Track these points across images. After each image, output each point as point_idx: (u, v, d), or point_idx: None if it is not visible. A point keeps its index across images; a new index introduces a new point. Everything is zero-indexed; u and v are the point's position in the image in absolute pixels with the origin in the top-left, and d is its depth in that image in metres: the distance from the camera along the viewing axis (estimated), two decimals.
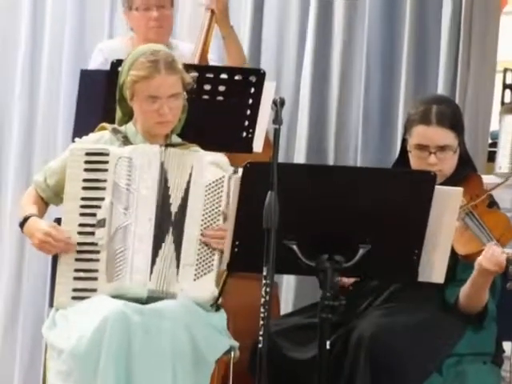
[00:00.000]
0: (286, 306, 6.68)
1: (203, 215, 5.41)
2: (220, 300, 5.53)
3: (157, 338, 5.13)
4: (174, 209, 5.49)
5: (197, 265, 5.44)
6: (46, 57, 8.07)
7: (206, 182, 5.38)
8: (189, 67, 5.81)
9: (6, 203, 8.10)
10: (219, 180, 5.32)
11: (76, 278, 5.38)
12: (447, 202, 5.06)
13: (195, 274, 5.44)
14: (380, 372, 5.04)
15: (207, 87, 5.96)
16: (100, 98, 6.10)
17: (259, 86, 6.16)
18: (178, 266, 5.45)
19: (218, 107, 5.99)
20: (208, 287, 5.41)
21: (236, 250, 5.02)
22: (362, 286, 5.51)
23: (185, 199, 5.51)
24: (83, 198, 5.43)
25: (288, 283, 6.48)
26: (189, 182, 5.47)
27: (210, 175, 5.34)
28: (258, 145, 5.94)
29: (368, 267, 5.02)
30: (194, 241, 5.41)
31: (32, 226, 5.54)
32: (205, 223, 5.41)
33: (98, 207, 5.40)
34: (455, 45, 6.44)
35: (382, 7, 6.87)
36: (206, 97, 5.92)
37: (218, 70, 6.31)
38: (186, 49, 6.52)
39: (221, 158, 5.52)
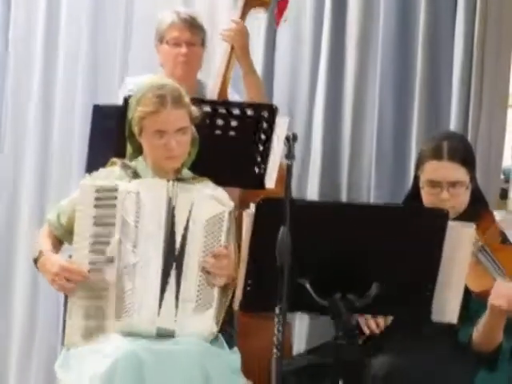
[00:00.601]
0: (300, 343, 6.62)
1: (203, 251, 5.41)
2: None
3: (170, 379, 5.05)
4: (177, 245, 5.47)
5: (196, 301, 5.41)
6: (60, 92, 7.99)
7: (206, 217, 5.38)
8: (200, 102, 5.76)
9: (19, 242, 8.06)
10: (219, 215, 5.31)
11: (85, 317, 5.33)
12: (460, 238, 5.02)
13: (194, 310, 5.40)
14: None
15: (220, 122, 5.86)
16: (112, 133, 6.03)
17: (271, 121, 6.09)
18: (177, 302, 5.40)
19: (231, 142, 5.92)
20: (207, 323, 5.39)
21: (248, 288, 4.94)
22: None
23: (185, 235, 5.48)
24: (93, 235, 5.40)
25: (301, 321, 6.36)
26: (188, 217, 5.40)
27: (211, 209, 5.36)
28: (270, 180, 5.87)
29: (381, 305, 4.93)
30: (193, 277, 5.38)
31: (47, 260, 5.53)
32: (203, 256, 5.41)
33: (108, 244, 5.36)
34: (467, 81, 6.44)
35: (395, 42, 6.87)
36: (218, 132, 5.82)
37: (230, 105, 6.22)
38: (211, 87, 6.39)
39: (221, 192, 5.55)
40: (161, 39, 6.98)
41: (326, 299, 4.86)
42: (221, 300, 5.40)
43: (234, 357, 5.35)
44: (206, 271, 5.34)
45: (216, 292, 5.36)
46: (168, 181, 5.51)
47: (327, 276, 4.87)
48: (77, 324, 5.34)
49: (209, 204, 5.34)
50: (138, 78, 7.04)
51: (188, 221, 5.44)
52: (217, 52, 7.20)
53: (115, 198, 5.40)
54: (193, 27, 6.93)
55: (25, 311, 8.06)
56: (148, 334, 5.25)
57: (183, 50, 6.82)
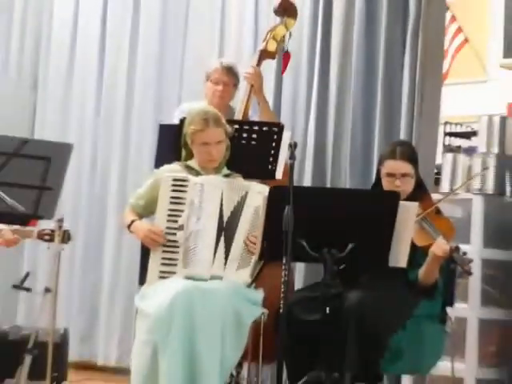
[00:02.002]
0: (298, 283, 6.66)
1: (249, 229, 5.48)
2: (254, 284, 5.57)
3: (211, 308, 5.14)
4: (225, 220, 5.54)
5: (239, 262, 5.51)
6: (136, 115, 8.02)
7: (255, 205, 5.42)
8: (232, 122, 5.92)
9: (109, 218, 8.10)
10: (262, 205, 5.24)
11: (162, 264, 5.47)
12: (407, 211, 5.12)
13: (237, 267, 5.51)
14: (364, 327, 5.05)
15: (244, 135, 6.00)
16: (172, 144, 6.11)
17: (280, 134, 6.19)
18: (226, 260, 5.50)
19: (252, 149, 6.03)
20: (244, 276, 5.48)
21: (265, 246, 5.08)
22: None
23: (236, 214, 5.58)
24: (169, 210, 5.54)
25: (300, 268, 6.44)
26: (242, 203, 5.54)
27: (258, 201, 5.35)
28: (279, 174, 5.99)
29: (354, 257, 5.03)
30: (240, 244, 5.48)
31: (138, 225, 5.68)
32: (249, 232, 5.44)
33: (179, 216, 5.49)
34: (412, 106, 6.43)
35: (364, 81, 6.83)
36: (243, 142, 5.98)
37: (251, 123, 6.35)
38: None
39: (265, 188, 5.42)
40: (207, 78, 6.93)
41: (317, 253, 4.97)
42: (254, 263, 5.50)
43: (257, 294, 5.44)
44: (247, 244, 5.44)
45: (252, 257, 5.44)
46: (223, 176, 5.69)
47: (318, 238, 4.94)
48: (156, 269, 5.46)
49: (258, 197, 5.37)
50: (190, 104, 7.06)
51: (242, 205, 5.56)
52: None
53: (186, 185, 5.51)
54: (229, 73, 6.90)
55: (111, 266, 8.06)
56: (203, 279, 5.39)
57: (220, 88, 6.82)
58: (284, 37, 6.75)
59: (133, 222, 5.68)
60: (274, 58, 6.85)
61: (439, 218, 5.43)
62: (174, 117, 7.02)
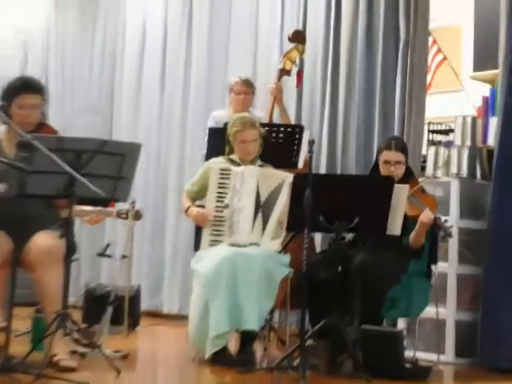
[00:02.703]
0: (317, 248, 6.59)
1: (282, 208, 5.39)
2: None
3: (249, 269, 5.16)
4: (262, 200, 5.53)
5: (273, 233, 5.47)
6: (190, 120, 7.98)
7: (287, 191, 5.25)
8: (264, 125, 5.93)
9: (170, 201, 8.00)
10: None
11: (212, 235, 5.46)
12: (400, 191, 5.11)
13: (271, 238, 5.48)
14: (367, 283, 5.04)
15: (273, 135, 5.98)
16: (217, 143, 6.11)
17: (301, 133, 6.18)
18: (263, 231, 5.50)
19: (280, 145, 6.03)
20: (276, 245, 5.46)
21: (290, 220, 5.07)
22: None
23: (273, 197, 5.54)
24: (217, 193, 5.54)
25: (317, 236, 6.40)
26: (279, 189, 5.49)
27: (288, 191, 5.20)
28: (300, 164, 5.99)
29: (360, 227, 5.03)
30: (275, 220, 5.46)
31: (193, 210, 5.65)
32: (282, 212, 5.35)
33: (225, 198, 5.51)
34: (403, 110, 6.38)
35: (365, 92, 6.76)
36: (272, 140, 5.95)
37: (278, 126, 6.35)
38: (257, 114, 6.43)
39: (291, 176, 5.34)
40: (230, 90, 6.89)
41: (330, 225, 4.99)
42: (285, 235, 5.47)
43: (285, 258, 5.43)
44: (280, 221, 5.38)
45: (283, 231, 5.40)
46: (258, 166, 5.66)
47: (331, 213, 4.96)
48: (207, 239, 5.46)
49: (288, 188, 5.22)
50: (218, 111, 7.12)
51: (279, 190, 5.53)
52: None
53: (230, 174, 5.52)
54: (247, 84, 6.85)
55: (172, 237, 8.01)
56: (243, 246, 5.39)
57: (241, 97, 6.78)
58: (296, 59, 6.76)
59: (188, 207, 5.67)
60: (289, 75, 6.81)
61: (425, 195, 5.42)
62: (210, 119, 7.06)
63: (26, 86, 4.81)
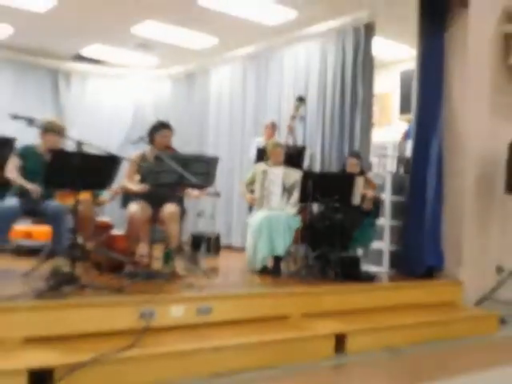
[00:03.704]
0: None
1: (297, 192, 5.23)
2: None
3: (278, 222, 5.08)
4: (287, 186, 5.35)
5: (293, 204, 5.29)
6: (245, 143, 7.86)
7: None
8: (285, 147, 5.69)
9: (235, 188, 7.79)
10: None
11: (257, 205, 5.36)
12: (359, 180, 5.10)
13: (291, 206, 5.28)
14: (342, 229, 5.06)
15: (289, 151, 5.82)
16: (260, 155, 6.06)
17: (304, 150, 6.19)
18: (287, 203, 5.34)
19: (293, 156, 5.91)
20: (293, 211, 5.27)
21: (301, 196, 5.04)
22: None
23: (293, 185, 5.30)
24: (261, 184, 5.37)
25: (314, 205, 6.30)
26: (297, 182, 5.22)
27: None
28: (303, 166, 5.93)
29: (339, 200, 5.00)
30: (294, 198, 5.27)
31: (247, 198, 5.49)
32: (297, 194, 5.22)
33: (265, 185, 5.34)
34: (360, 136, 6.33)
35: (339, 125, 6.68)
36: (289, 153, 5.70)
37: (291, 147, 6.22)
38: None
39: (300, 172, 5.33)
40: (265, 127, 6.80)
41: (323, 199, 5.01)
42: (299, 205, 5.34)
43: (297, 217, 5.24)
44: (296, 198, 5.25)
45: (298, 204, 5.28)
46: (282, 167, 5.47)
47: (323, 193, 4.96)
48: (255, 206, 5.39)
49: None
50: (258, 138, 6.96)
51: (295, 182, 5.29)
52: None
53: (267, 172, 5.37)
54: (273, 125, 6.74)
55: (237, 207, 7.88)
56: (277, 210, 5.25)
57: (270, 131, 6.70)
58: (299, 110, 6.66)
59: (246, 194, 5.54)
60: (295, 118, 6.64)
61: (371, 182, 5.40)
62: (254, 143, 6.91)
63: (165, 125, 4.85)
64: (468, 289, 5.20)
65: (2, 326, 3.07)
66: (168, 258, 4.67)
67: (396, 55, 7.87)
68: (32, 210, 4.45)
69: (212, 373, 3.27)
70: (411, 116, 5.94)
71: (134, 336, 3.23)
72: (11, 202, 4.36)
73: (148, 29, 7.36)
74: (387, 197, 5.84)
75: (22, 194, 4.40)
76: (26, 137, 4.65)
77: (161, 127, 4.82)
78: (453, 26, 5.46)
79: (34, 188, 4.29)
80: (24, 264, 4.49)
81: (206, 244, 6.37)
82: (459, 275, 5.25)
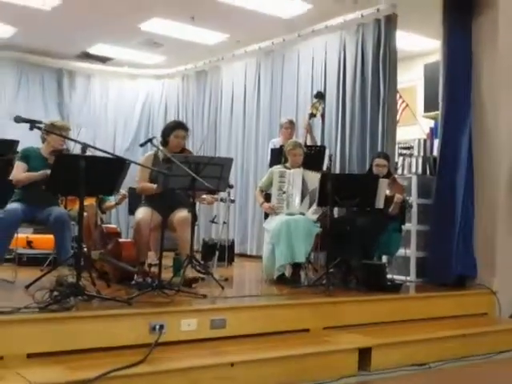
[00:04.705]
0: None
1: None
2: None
3: (298, 227, 5.04)
4: (309, 189, 5.30)
5: (314, 210, 5.27)
6: (260, 142, 7.90)
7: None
8: (303, 146, 5.67)
9: (251, 191, 7.82)
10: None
11: (276, 209, 5.32)
12: (383, 183, 5.03)
13: (313, 213, 5.26)
14: (365, 236, 5.00)
15: (308, 151, 5.74)
16: (275, 157, 6.07)
17: (324, 150, 6.15)
18: (308, 208, 5.31)
19: (312, 157, 5.84)
20: (314, 217, 5.23)
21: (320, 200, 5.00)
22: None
23: (314, 190, 5.19)
24: (279, 186, 5.32)
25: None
26: (309, 182, 5.25)
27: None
28: (324, 168, 5.85)
29: (360, 202, 4.95)
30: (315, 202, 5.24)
31: (264, 205, 5.40)
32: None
33: (283, 188, 5.28)
34: (384, 135, 6.29)
35: (360, 125, 6.70)
36: (308, 154, 5.68)
37: (311, 146, 6.25)
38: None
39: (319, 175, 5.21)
40: (281, 126, 6.66)
41: (343, 202, 4.95)
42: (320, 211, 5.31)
43: (317, 224, 5.22)
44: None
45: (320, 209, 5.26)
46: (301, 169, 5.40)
47: (343, 195, 4.91)
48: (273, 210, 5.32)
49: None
50: (274, 139, 6.89)
51: (314, 184, 5.16)
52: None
53: (285, 174, 5.31)
54: (291, 123, 6.65)
55: (252, 210, 7.86)
56: (295, 214, 5.21)
57: (288, 131, 6.55)
58: (320, 107, 6.61)
59: (262, 202, 5.45)
60: (315, 117, 6.66)
61: (397, 184, 5.31)
62: (270, 143, 6.86)
63: (180, 125, 4.82)
64: (502, 299, 5.13)
65: (2, 341, 3.02)
66: (179, 267, 4.63)
67: (419, 47, 7.80)
68: (33, 216, 4.46)
69: None
70: (438, 113, 5.87)
71: (143, 351, 3.18)
72: (14, 206, 4.38)
73: (156, 25, 7.37)
74: (413, 200, 5.77)
75: (25, 199, 4.42)
76: (30, 140, 4.65)
77: (176, 127, 4.78)
78: (481, 16, 5.42)
79: (43, 173, 4.31)
80: (26, 274, 4.48)
81: (219, 252, 6.32)
82: (493, 285, 5.18)
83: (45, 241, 5.58)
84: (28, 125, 3.97)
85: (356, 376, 3.68)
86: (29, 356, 3.06)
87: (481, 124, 5.39)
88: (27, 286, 4.04)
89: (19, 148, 4.90)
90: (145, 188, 4.68)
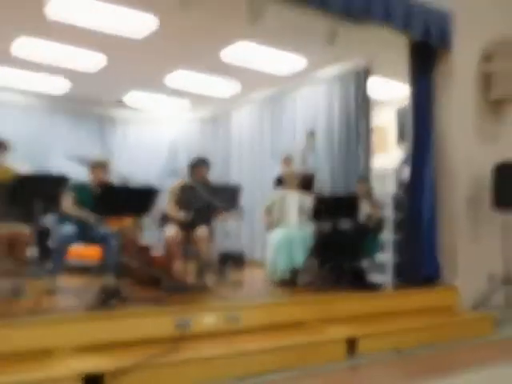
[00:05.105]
0: None
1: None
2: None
3: (296, 238, 5.00)
4: (305, 208, 5.20)
5: (307, 223, 5.16)
6: (263, 174, 7.76)
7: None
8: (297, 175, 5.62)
9: (257, 209, 7.32)
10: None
11: (276, 224, 5.23)
12: (364, 202, 4.95)
13: (306, 225, 5.17)
14: (353, 243, 4.96)
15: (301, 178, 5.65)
16: (277, 184, 5.91)
17: (313, 178, 6.06)
18: (301, 222, 5.24)
19: (305, 182, 5.71)
20: (309, 229, 5.16)
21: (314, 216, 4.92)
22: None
23: (307, 208, 5.12)
24: (279, 206, 5.25)
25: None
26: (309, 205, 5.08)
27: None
28: (315, 189, 5.77)
29: (347, 216, 4.88)
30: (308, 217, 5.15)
31: (266, 221, 5.38)
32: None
33: (283, 206, 5.22)
34: (364, 162, 6.26)
35: (346, 154, 6.62)
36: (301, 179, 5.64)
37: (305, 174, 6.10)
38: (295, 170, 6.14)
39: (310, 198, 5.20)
40: (281, 160, 6.56)
41: (332, 216, 4.87)
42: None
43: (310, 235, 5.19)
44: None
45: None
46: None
47: (332, 211, 4.84)
48: (273, 225, 5.22)
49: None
50: (276, 169, 6.76)
51: (307, 203, 5.14)
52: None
53: (285, 197, 5.26)
54: (288, 159, 6.44)
55: (257, 227, 7.60)
56: (292, 229, 5.15)
57: (286, 163, 6.39)
58: (311, 142, 6.59)
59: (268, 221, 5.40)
60: (309, 150, 6.59)
61: (374, 202, 5.25)
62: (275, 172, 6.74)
63: (202, 161, 4.82)
64: (464, 294, 5.06)
65: (57, 336, 3.03)
66: (200, 272, 4.61)
67: (393, 95, 7.76)
68: (85, 235, 4.45)
69: (240, 374, 3.18)
70: (407, 144, 5.82)
71: (171, 343, 3.18)
72: (67, 229, 4.37)
73: (179, 78, 7.43)
74: (389, 215, 5.70)
75: (78, 222, 4.41)
76: (80, 172, 4.65)
77: (200, 163, 4.80)
78: (439, 67, 5.44)
79: (88, 216, 4.30)
80: (77, 281, 4.47)
81: (232, 260, 6.27)
82: (455, 282, 5.11)
83: (92, 252, 5.55)
84: (78, 161, 4.03)
85: (345, 361, 3.63)
86: (79, 348, 3.04)
87: (442, 154, 5.35)
88: (78, 291, 4.04)
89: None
90: (172, 215, 4.67)
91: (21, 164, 6.44)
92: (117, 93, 8.30)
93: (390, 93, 7.81)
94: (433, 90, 5.41)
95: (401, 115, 7.32)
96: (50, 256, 4.52)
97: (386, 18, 4.66)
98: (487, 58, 5.50)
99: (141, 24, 5.47)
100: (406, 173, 5.80)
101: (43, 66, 6.72)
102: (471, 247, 5.28)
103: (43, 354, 2.91)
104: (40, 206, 3.76)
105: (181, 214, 4.52)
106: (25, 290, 3.75)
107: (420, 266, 5.17)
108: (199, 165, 4.76)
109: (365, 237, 5.16)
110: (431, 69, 5.45)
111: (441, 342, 4.21)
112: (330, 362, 3.55)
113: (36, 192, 3.72)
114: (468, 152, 5.35)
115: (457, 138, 5.31)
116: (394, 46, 5.59)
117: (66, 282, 4.57)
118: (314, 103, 7.22)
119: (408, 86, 5.63)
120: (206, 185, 4.57)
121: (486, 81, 5.49)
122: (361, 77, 6.50)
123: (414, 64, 5.53)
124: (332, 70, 6.88)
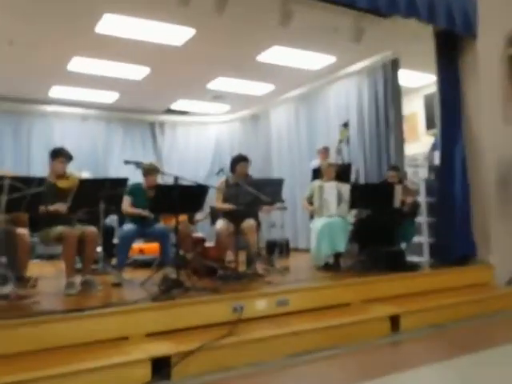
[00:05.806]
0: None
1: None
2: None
3: (336, 226, 4.93)
4: (344, 197, 5.09)
5: (348, 211, 5.07)
6: (303, 165, 7.72)
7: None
8: (335, 165, 5.53)
9: (299, 202, 7.55)
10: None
11: (318, 213, 5.18)
12: (397, 188, 4.92)
13: (346, 212, 5.06)
14: (387, 229, 4.90)
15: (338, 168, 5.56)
16: (315, 175, 5.88)
17: (350, 167, 6.02)
18: (342, 210, 5.13)
19: (341, 172, 5.62)
20: (350, 218, 5.14)
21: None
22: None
23: (341, 194, 5.13)
24: (318, 195, 5.14)
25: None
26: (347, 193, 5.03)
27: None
28: (352, 179, 5.72)
29: (382, 204, 4.83)
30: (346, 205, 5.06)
31: (308, 208, 5.32)
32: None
33: (323, 196, 5.12)
34: (395, 150, 6.15)
35: (376, 143, 6.53)
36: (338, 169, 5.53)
37: (339, 165, 6.04)
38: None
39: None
40: (318, 151, 6.57)
41: (369, 204, 4.82)
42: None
43: (350, 221, 5.18)
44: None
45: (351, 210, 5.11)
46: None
47: (367, 200, 4.81)
48: (316, 213, 5.21)
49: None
50: (314, 161, 6.73)
51: (347, 192, 4.98)
52: None
53: (323, 186, 5.14)
54: (325, 149, 6.51)
55: (300, 216, 7.74)
56: (332, 216, 5.05)
57: (322, 155, 6.51)
58: (345, 134, 6.58)
59: (307, 207, 5.34)
60: (342, 142, 6.55)
61: (408, 189, 5.20)
62: (311, 165, 6.75)
63: (243, 158, 4.85)
64: (498, 271, 4.96)
65: (128, 324, 3.12)
66: (250, 261, 4.66)
67: (422, 83, 7.62)
68: (144, 232, 4.58)
69: (291, 353, 3.22)
70: (436, 131, 5.72)
71: (229, 326, 3.23)
72: (129, 227, 4.50)
73: (220, 83, 7.51)
74: (422, 199, 5.61)
75: (136, 220, 4.53)
76: (136, 174, 4.78)
77: (241, 160, 4.84)
78: (465, 54, 5.31)
79: (147, 214, 4.42)
80: (140, 274, 4.61)
81: (278, 248, 6.31)
82: (490, 260, 5.01)
83: (152, 248, 5.69)
84: (133, 165, 4.15)
85: (389, 338, 3.63)
86: (147, 335, 3.14)
87: (470, 136, 5.25)
88: (142, 283, 4.17)
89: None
90: (221, 207, 4.74)
91: (82, 171, 6.69)
92: (165, 100, 8.43)
93: (419, 81, 7.69)
94: (460, 76, 5.30)
95: (429, 102, 7.15)
96: (115, 252, 4.72)
97: (411, 9, 4.56)
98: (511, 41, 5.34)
99: (181, 35, 5.56)
100: (437, 158, 5.74)
101: (97, 79, 6.93)
102: (503, 226, 5.16)
103: (118, 341, 3.00)
104: (103, 207, 3.92)
105: (229, 206, 4.58)
106: (96, 284, 3.91)
107: (455, 246, 5.09)
108: (240, 161, 4.77)
109: (401, 222, 5.07)
110: (457, 56, 5.33)
111: (478, 316, 4.15)
112: (375, 338, 3.54)
113: (100, 194, 3.87)
114: (496, 134, 5.22)
115: (484, 121, 5.19)
116: (420, 37, 5.47)
117: (130, 275, 4.73)
118: (345, 96, 7.17)
119: (436, 74, 5.55)
120: (248, 180, 4.61)
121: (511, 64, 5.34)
122: (389, 68, 6.42)
123: (441, 52, 5.41)
124: (361, 64, 6.81)
